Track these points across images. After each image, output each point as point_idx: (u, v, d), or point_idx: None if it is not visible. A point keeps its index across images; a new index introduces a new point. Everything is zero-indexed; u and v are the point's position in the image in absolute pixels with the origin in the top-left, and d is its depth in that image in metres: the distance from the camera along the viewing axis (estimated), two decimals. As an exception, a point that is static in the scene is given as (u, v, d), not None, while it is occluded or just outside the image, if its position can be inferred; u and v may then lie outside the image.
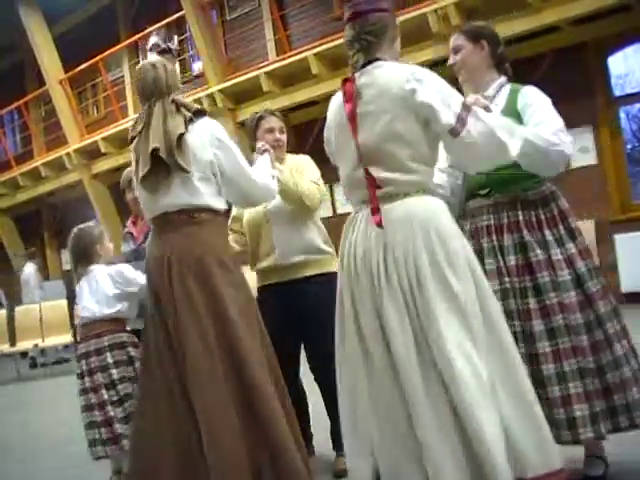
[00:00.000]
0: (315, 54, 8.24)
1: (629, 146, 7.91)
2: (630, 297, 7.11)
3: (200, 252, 2.56)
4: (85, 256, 3.44)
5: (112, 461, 3.35)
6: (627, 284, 7.16)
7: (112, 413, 3.21)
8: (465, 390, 1.93)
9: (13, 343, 9.61)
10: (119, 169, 10.51)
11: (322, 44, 8.25)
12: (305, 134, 8.57)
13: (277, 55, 9.67)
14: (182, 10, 9.52)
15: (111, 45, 10.90)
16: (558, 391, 2.36)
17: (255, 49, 10.12)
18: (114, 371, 3.27)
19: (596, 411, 2.36)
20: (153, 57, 2.81)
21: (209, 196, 2.60)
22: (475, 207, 2.60)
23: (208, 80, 9.63)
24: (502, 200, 2.54)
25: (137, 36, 10.48)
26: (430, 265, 2.03)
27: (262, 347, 2.62)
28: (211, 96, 9.34)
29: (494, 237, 2.52)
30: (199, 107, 2.70)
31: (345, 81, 2.20)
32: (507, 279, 2.47)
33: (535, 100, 2.57)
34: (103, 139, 10.73)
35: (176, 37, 11.44)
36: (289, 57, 8.75)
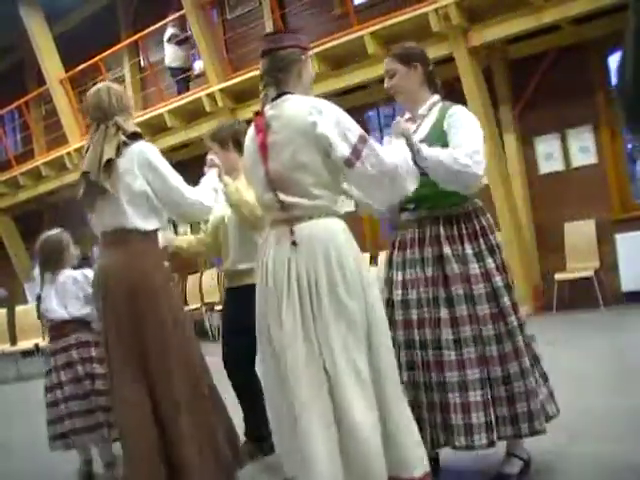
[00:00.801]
0: (316, 53, 8.23)
1: (629, 145, 7.89)
2: (630, 296, 7.11)
3: (131, 269, 2.80)
4: (54, 261, 3.71)
5: (80, 452, 3.65)
6: (627, 283, 7.16)
7: (76, 408, 3.52)
8: (349, 397, 2.15)
9: (14, 342, 9.62)
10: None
11: (323, 43, 8.25)
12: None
13: (278, 54, 9.66)
14: (183, 9, 9.52)
15: (111, 44, 10.89)
16: (459, 398, 2.51)
17: (256, 48, 10.08)
18: (79, 368, 3.57)
19: (490, 419, 2.51)
20: (104, 84, 3.02)
21: (137, 218, 2.81)
22: (404, 220, 2.78)
23: (209, 79, 9.63)
24: (426, 215, 2.70)
25: (137, 35, 10.48)
26: (327, 283, 2.22)
27: (183, 357, 2.84)
28: (212, 95, 9.35)
29: (417, 249, 2.70)
30: (135, 131, 2.87)
31: (256, 114, 2.39)
32: (423, 289, 2.65)
33: (459, 121, 2.67)
34: (104, 138, 10.73)
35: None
36: (290, 56, 8.74)
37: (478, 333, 2.56)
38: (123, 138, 2.80)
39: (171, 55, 10.29)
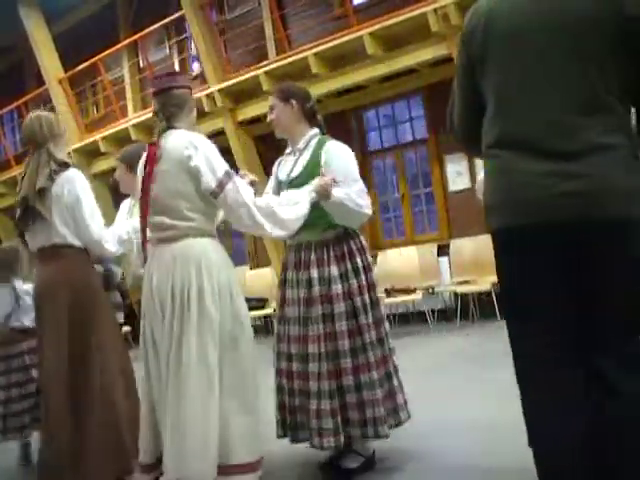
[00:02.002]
0: (315, 53, 8.24)
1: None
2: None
3: (64, 280, 3.12)
4: (8, 270, 4.06)
5: (19, 438, 4.02)
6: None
7: (21, 407, 3.90)
8: (193, 397, 2.51)
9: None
10: (119, 169, 10.50)
11: (322, 43, 8.26)
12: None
13: (277, 54, 9.67)
14: (182, 10, 9.52)
15: (111, 45, 10.89)
16: (315, 405, 2.87)
17: (255, 48, 10.12)
18: (33, 371, 3.88)
19: (338, 425, 2.86)
20: (35, 113, 3.29)
21: (70, 236, 3.15)
22: (287, 245, 3.16)
23: (208, 80, 9.63)
24: (302, 240, 3.03)
25: (137, 36, 10.48)
26: (197, 292, 2.57)
27: (119, 360, 3.19)
28: (211, 96, 9.34)
29: (295, 272, 3.04)
30: (64, 160, 3.18)
31: (151, 145, 2.73)
32: (297, 308, 2.99)
33: (338, 158, 2.99)
34: (103, 139, 10.73)
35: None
36: (289, 56, 8.74)
37: (335, 348, 2.88)
38: (54, 166, 3.11)
39: None
